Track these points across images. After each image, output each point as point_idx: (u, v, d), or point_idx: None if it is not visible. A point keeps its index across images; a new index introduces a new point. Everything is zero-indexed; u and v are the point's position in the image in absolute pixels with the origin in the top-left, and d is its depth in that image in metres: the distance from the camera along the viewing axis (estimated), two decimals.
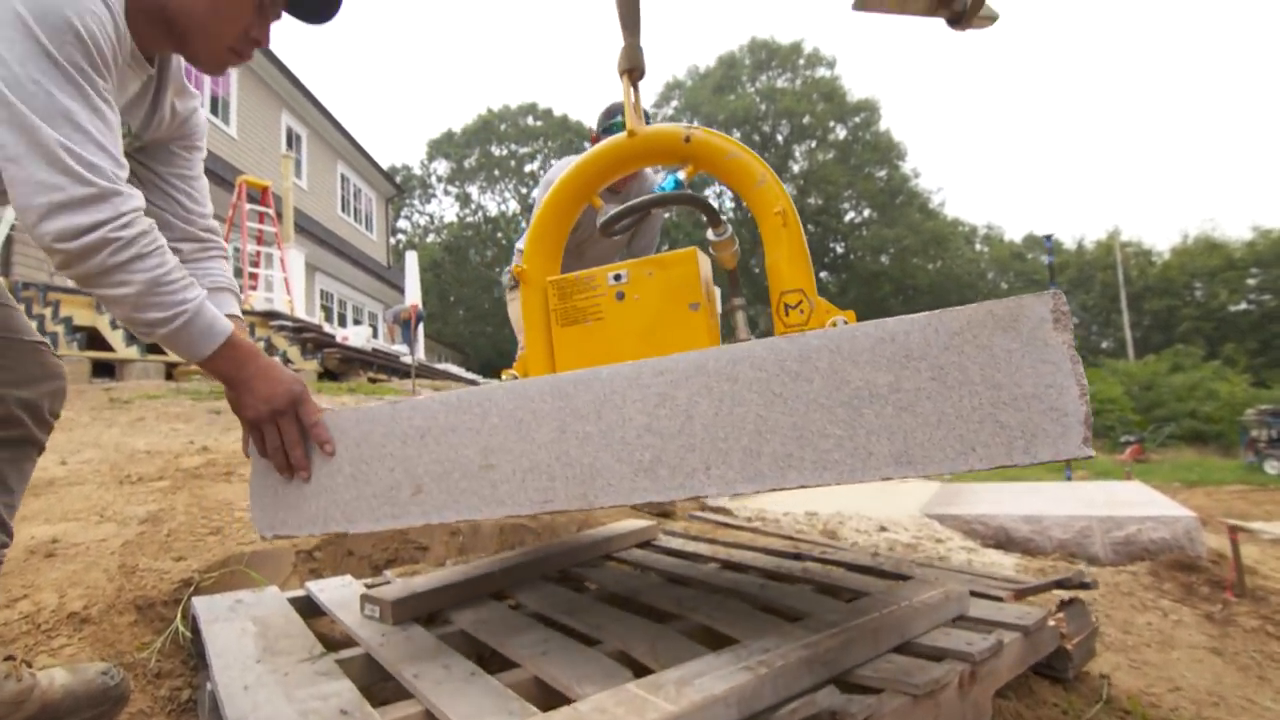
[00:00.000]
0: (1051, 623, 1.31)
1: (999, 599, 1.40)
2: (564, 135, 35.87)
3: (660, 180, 1.59)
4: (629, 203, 1.42)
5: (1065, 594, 1.56)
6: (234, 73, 12.10)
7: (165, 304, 0.86)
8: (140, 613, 1.48)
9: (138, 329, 0.90)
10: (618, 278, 1.32)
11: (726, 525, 2.41)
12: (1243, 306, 30.36)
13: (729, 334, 1.49)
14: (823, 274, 34.96)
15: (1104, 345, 34.58)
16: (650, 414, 0.87)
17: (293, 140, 14.32)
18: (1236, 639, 1.83)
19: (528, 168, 36.53)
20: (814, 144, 34.52)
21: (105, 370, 6.09)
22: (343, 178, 16.66)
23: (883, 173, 34.27)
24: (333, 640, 1.34)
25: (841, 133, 34.37)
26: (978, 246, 38.34)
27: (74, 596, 1.45)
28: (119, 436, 2.76)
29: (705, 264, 1.35)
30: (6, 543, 1.05)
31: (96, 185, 0.80)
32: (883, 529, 2.69)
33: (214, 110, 11.64)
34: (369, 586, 1.50)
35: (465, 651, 1.17)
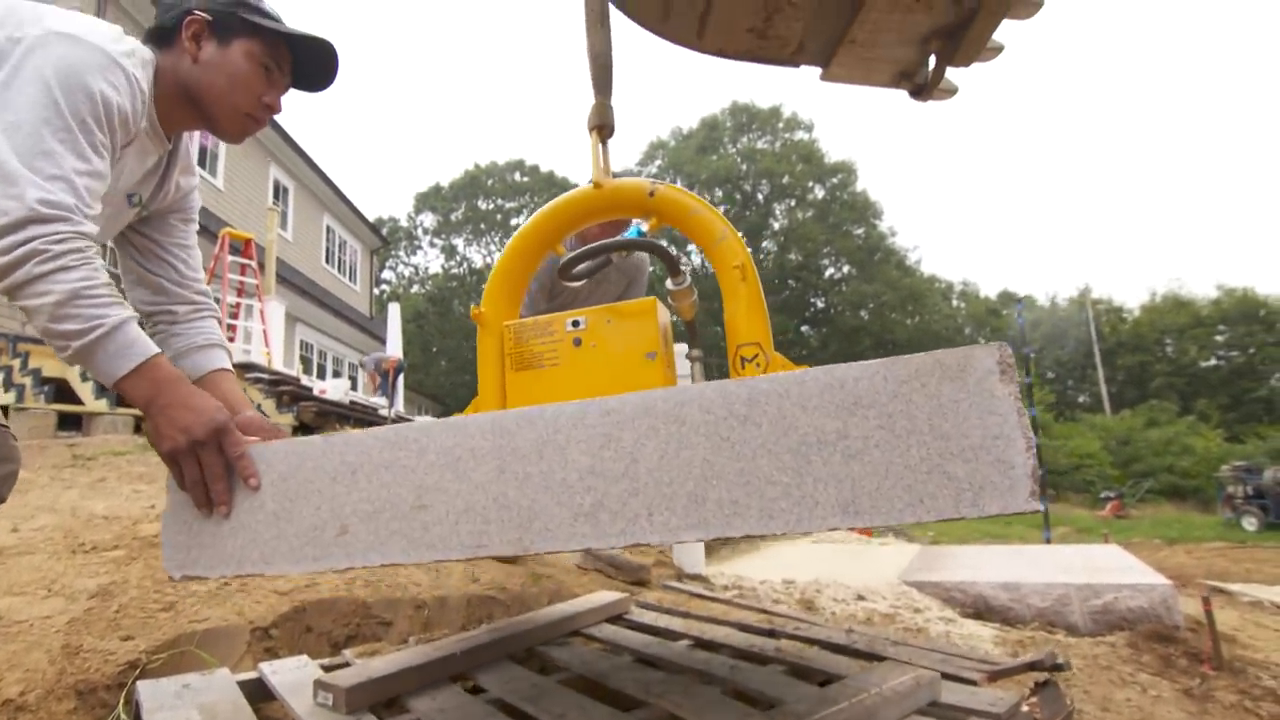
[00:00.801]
0: (1025, 708, 1.29)
1: (973, 682, 1.37)
2: (550, 190, 36.59)
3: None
4: (587, 246, 1.43)
5: (1040, 675, 1.54)
6: None
7: (83, 316, 0.86)
8: (81, 699, 1.40)
9: (55, 344, 0.89)
10: (576, 324, 1.31)
11: (701, 597, 2.37)
12: (1212, 362, 31.14)
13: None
14: (804, 328, 35.44)
15: (1081, 399, 35.11)
16: (594, 455, 0.84)
17: (280, 192, 14.45)
18: (1215, 715, 1.81)
19: (514, 221, 37.12)
20: (793, 203, 35.51)
21: (73, 423, 5.94)
22: (328, 229, 16.77)
23: (860, 231, 35.23)
24: None
25: (820, 192, 35.43)
26: (955, 302, 39.23)
27: (11, 681, 1.37)
28: (77, 499, 2.67)
29: (664, 315, 1.35)
30: None
31: (35, 211, 0.84)
32: (860, 598, 2.65)
33: (201, 162, 11.71)
34: (325, 669, 1.45)
35: None
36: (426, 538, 0.88)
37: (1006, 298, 40.74)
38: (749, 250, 1.38)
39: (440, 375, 34.11)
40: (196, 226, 1.31)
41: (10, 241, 0.84)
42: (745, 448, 0.79)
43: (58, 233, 0.86)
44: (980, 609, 2.73)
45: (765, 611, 2.07)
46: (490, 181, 37.12)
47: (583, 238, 2.14)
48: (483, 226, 37.19)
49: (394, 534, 0.90)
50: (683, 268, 1.42)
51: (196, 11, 1.08)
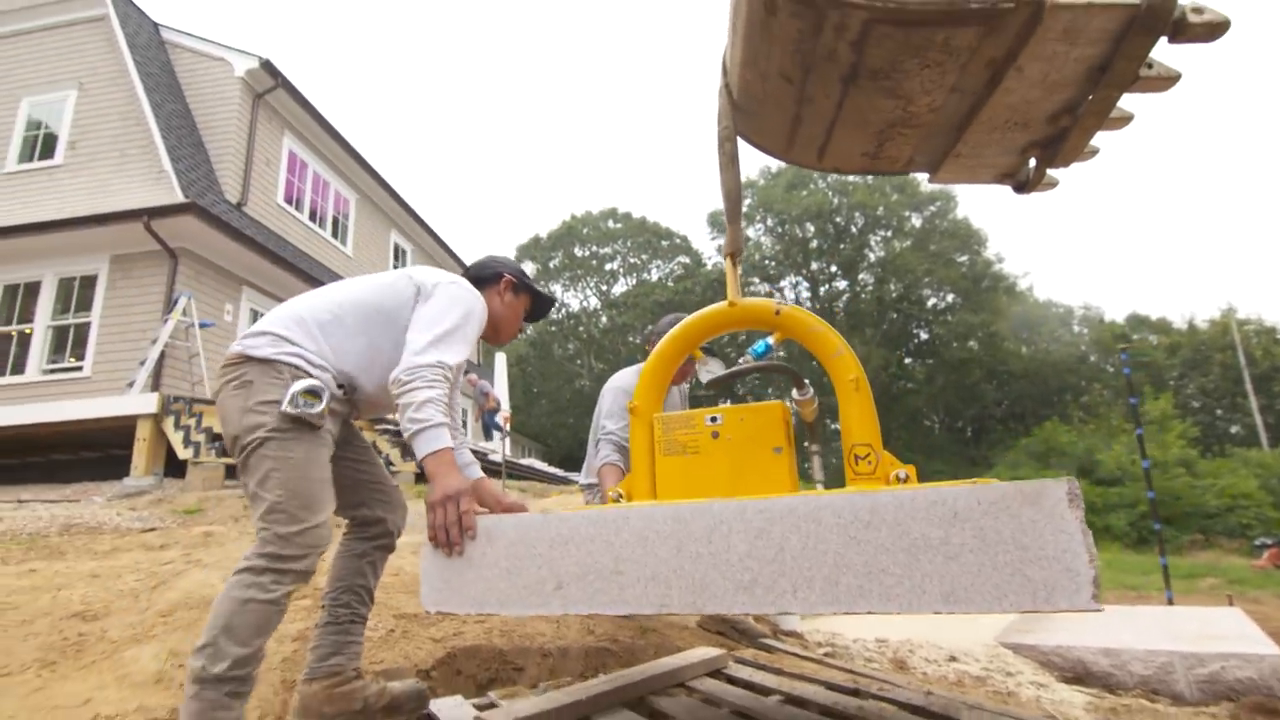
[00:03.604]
0: None
1: None
2: (642, 235, 37.69)
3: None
4: (735, 369, 1.75)
5: None
6: (352, 199, 13.75)
7: (427, 416, 1.47)
8: None
9: (405, 416, 1.48)
10: (714, 419, 1.59)
11: (795, 655, 2.55)
12: None
13: (805, 474, 1.75)
14: (908, 360, 34.14)
15: (1233, 430, 31.55)
16: (750, 543, 1.11)
17: (399, 255, 15.86)
18: None
19: (608, 266, 38.38)
20: (889, 233, 34.66)
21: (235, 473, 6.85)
22: None
23: (964, 259, 33.81)
24: None
25: (917, 221, 34.43)
26: (1075, 328, 36.62)
27: (250, 708, 1.79)
28: None
29: (788, 414, 1.60)
30: None
31: (435, 357, 1.55)
32: (952, 659, 2.73)
33: (334, 233, 13.14)
34: (477, 707, 1.77)
35: None
36: (623, 596, 1.19)
37: (1136, 321, 37.55)
38: (858, 361, 1.58)
39: (542, 416, 35.39)
40: (461, 376, 2.01)
41: (415, 366, 1.53)
42: (869, 546, 1.04)
43: (436, 379, 1.52)
44: (1079, 673, 2.71)
45: (851, 671, 2.24)
46: (585, 230, 38.70)
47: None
48: (580, 272, 38.70)
49: (598, 591, 1.22)
50: (805, 382, 1.70)
51: (508, 275, 1.94)
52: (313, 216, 12.42)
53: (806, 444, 1.95)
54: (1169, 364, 33.22)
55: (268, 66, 10.61)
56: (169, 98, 10.20)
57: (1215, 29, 1.17)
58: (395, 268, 14.78)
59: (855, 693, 1.88)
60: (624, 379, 2.72)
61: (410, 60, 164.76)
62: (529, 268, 39.60)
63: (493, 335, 1.95)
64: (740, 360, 1.89)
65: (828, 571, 1.05)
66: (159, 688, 1.87)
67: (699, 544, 1.15)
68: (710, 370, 1.96)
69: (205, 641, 1.35)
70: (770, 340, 1.78)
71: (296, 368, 1.53)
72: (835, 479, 1.71)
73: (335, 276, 12.38)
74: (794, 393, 1.73)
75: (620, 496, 1.67)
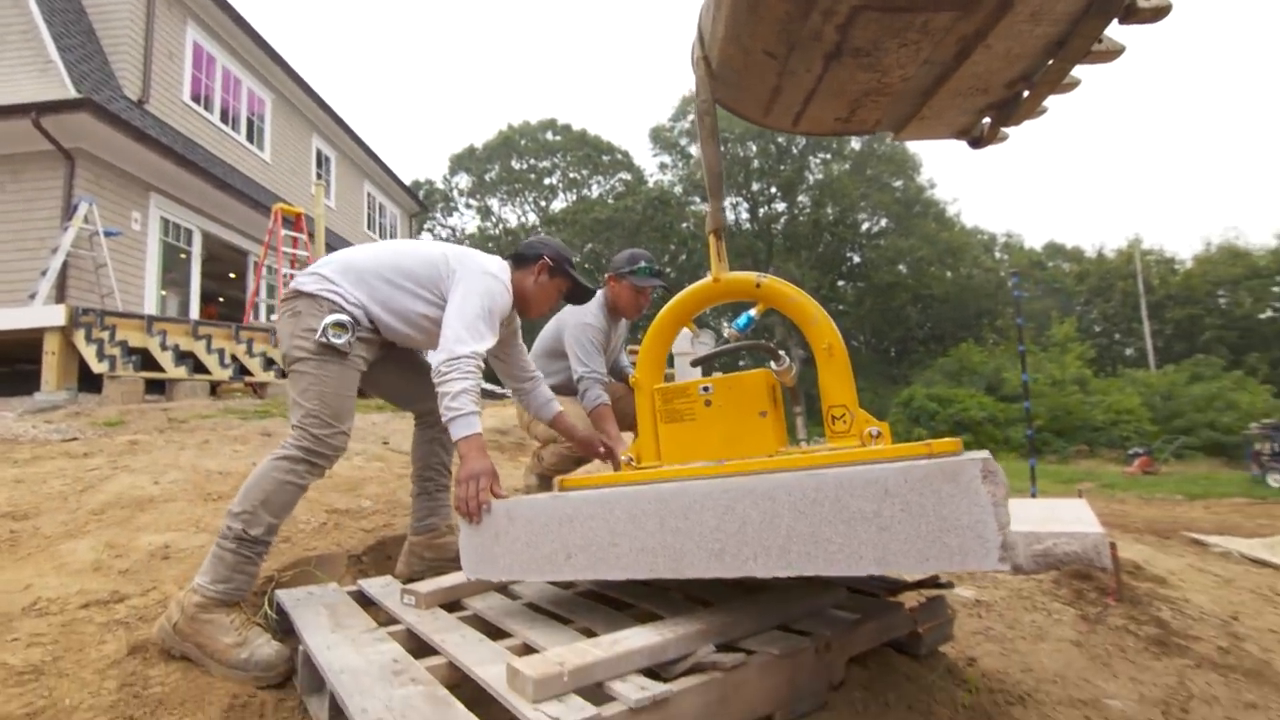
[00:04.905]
0: (906, 612, 1.75)
1: (875, 594, 1.84)
2: (582, 149, 36.56)
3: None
4: (720, 347, 1.92)
5: (932, 592, 1.99)
6: (268, 99, 12.82)
7: (461, 405, 1.70)
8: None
9: (444, 404, 1.72)
10: (706, 389, 1.78)
11: None
12: (1268, 314, 29.99)
13: (791, 432, 1.95)
14: (840, 283, 35.02)
15: (1127, 353, 34.25)
16: (719, 518, 1.31)
17: (322, 161, 15.03)
18: (1100, 635, 2.23)
19: (546, 180, 37.26)
20: (829, 156, 34.77)
21: (157, 388, 6.69)
22: (369, 196, 17.37)
23: (899, 183, 34.42)
24: (380, 622, 1.82)
25: (856, 144, 34.58)
26: (997, 254, 38.25)
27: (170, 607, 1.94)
28: (193, 459, 3.29)
29: (772, 381, 1.76)
30: None
31: (470, 348, 1.76)
32: None
33: (249, 136, 12.31)
34: (404, 585, 1.98)
35: (477, 627, 1.64)
36: (620, 564, 1.41)
37: (1053, 250, 39.53)
38: (835, 327, 1.72)
39: None
40: (520, 339, 2.30)
41: (458, 354, 1.75)
42: (814, 519, 1.22)
43: (473, 361, 1.75)
44: None
45: None
46: (523, 141, 37.19)
47: (613, 313, 2.89)
48: (517, 186, 37.45)
49: (599, 560, 1.43)
50: (780, 353, 1.86)
51: (547, 258, 2.10)
52: (225, 118, 11.56)
53: (793, 406, 2.15)
54: (1077, 290, 35.38)
55: None
56: None
57: (1159, 12, 1.33)
58: (319, 175, 14.13)
59: None
60: (587, 315, 2.74)
61: None
62: (463, 179, 38.08)
63: (522, 309, 2.16)
64: (724, 334, 2.06)
65: (781, 541, 1.23)
66: (97, 574, 2.00)
67: (677, 519, 1.34)
68: (703, 343, 2.12)
69: (244, 509, 1.72)
70: (753, 312, 1.91)
71: (334, 303, 1.85)
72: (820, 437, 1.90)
73: (252, 183, 11.70)
74: (772, 365, 1.88)
75: (631, 460, 1.90)
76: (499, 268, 2.02)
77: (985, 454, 1.11)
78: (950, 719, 1.52)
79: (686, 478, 1.50)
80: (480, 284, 1.90)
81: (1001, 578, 2.89)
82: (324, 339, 1.79)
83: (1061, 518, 3.48)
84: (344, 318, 1.83)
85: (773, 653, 1.40)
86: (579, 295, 2.25)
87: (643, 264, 2.79)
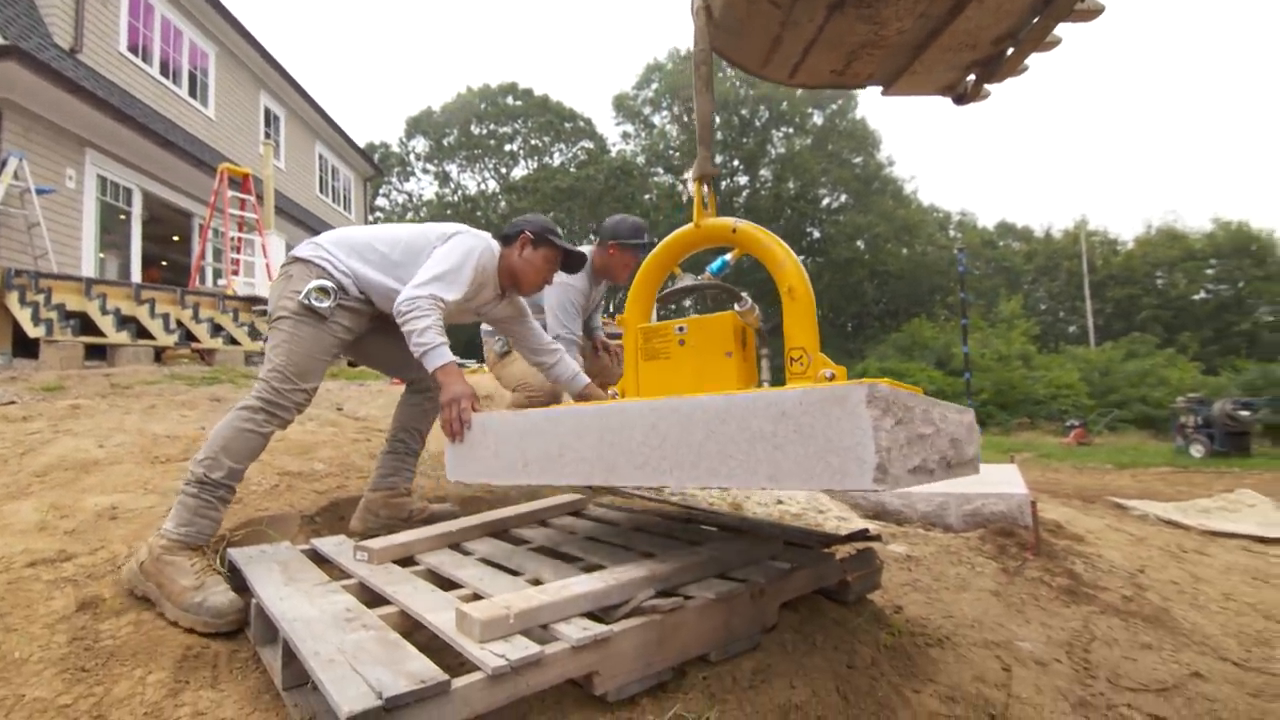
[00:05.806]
0: (837, 562, 1.88)
1: (810, 547, 1.96)
2: (544, 115, 35.85)
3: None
4: (690, 283, 2.00)
5: (861, 545, 2.13)
6: (211, 52, 12.23)
7: (429, 340, 1.82)
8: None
9: (411, 341, 1.82)
10: (680, 329, 1.88)
11: (647, 499, 2.96)
12: (1201, 295, 31.53)
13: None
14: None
15: (1070, 330, 35.66)
16: (645, 434, 1.41)
17: (271, 121, 14.45)
18: (1018, 585, 2.42)
19: (507, 147, 36.50)
20: (791, 130, 34.86)
21: (97, 353, 6.45)
22: (320, 158, 16.80)
23: (858, 160, 34.78)
24: (333, 577, 1.86)
25: (819, 119, 34.76)
26: (951, 233, 39.15)
27: (140, 548, 1.95)
28: (139, 423, 3.23)
29: (739, 324, 1.82)
30: None
31: (429, 290, 1.86)
32: (779, 502, 3.26)
33: (192, 91, 11.74)
34: (357, 543, 2.02)
35: (430, 580, 1.70)
36: (564, 472, 1.55)
37: (1004, 229, 40.65)
38: (803, 271, 1.76)
39: None
40: (529, 317, 2.34)
41: (414, 298, 1.85)
42: (721, 437, 1.31)
43: (431, 309, 1.85)
44: (879, 512, 3.34)
45: (689, 508, 2.66)
46: (483, 106, 36.28)
47: (598, 275, 3.01)
48: (477, 152, 36.59)
49: (548, 468, 1.57)
50: (742, 295, 1.90)
51: (527, 231, 2.13)
52: (165, 71, 11.00)
53: (759, 348, 2.20)
54: (1025, 269, 36.56)
55: None
56: None
57: None
58: (268, 135, 13.61)
59: (688, 520, 2.28)
60: (569, 275, 2.71)
61: None
62: (420, 142, 37.02)
63: (516, 285, 2.20)
64: (699, 277, 2.10)
65: (693, 456, 1.32)
66: (43, 534, 1.99)
67: (613, 434, 1.46)
68: (683, 282, 2.17)
69: (206, 456, 1.80)
70: (728, 256, 1.95)
71: (323, 269, 1.95)
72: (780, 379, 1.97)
73: (195, 141, 11.21)
74: (735, 306, 1.92)
75: (616, 395, 2.01)
76: (487, 239, 2.11)
77: (879, 382, 1.15)
78: (872, 658, 1.64)
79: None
80: (458, 245, 2.01)
81: (933, 534, 3.08)
82: (306, 300, 1.88)
83: (991, 481, 3.71)
84: (328, 283, 1.92)
85: (709, 597, 1.50)
86: (573, 264, 2.26)
87: (647, 238, 2.86)
